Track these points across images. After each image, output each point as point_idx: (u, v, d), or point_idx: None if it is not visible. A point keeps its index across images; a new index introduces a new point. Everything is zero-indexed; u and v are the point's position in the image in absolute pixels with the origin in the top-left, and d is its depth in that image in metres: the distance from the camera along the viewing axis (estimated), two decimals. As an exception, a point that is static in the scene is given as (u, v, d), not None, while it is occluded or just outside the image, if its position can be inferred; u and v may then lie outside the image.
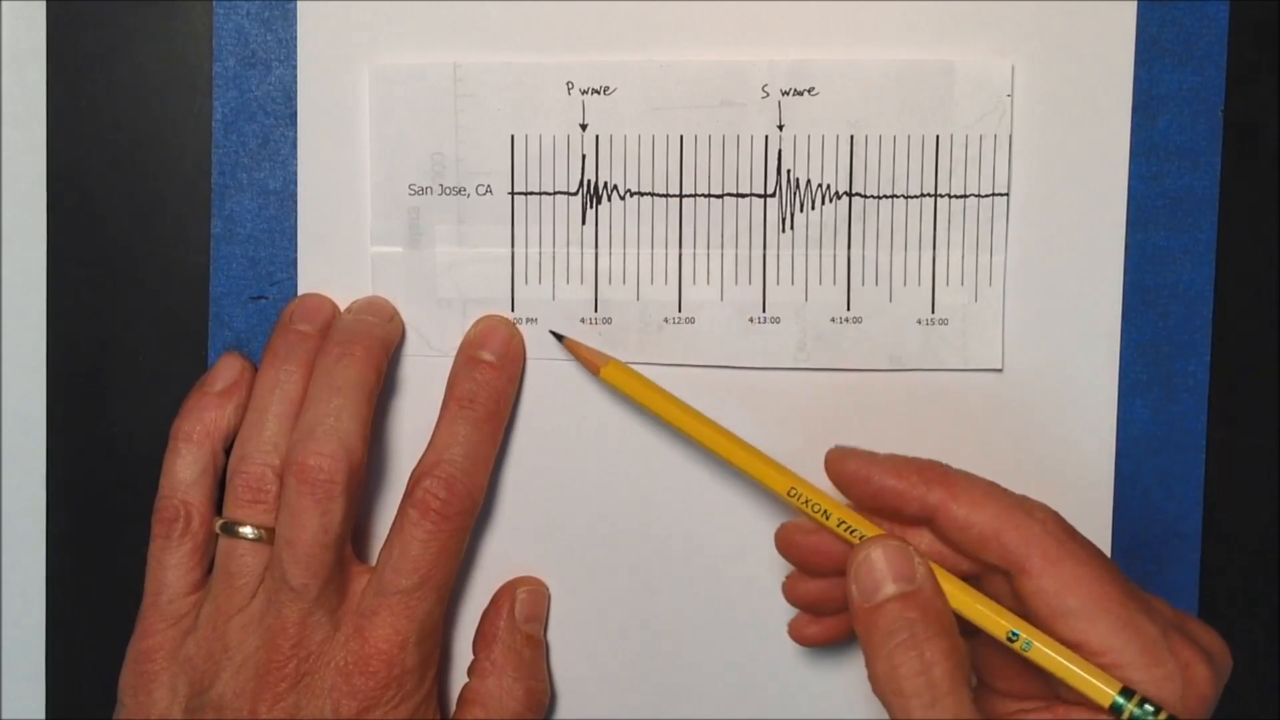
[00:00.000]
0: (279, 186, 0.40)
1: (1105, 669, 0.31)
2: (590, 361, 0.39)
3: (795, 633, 0.38)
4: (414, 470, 0.37)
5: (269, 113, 0.40)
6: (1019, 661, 0.33)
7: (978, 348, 0.39)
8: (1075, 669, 0.31)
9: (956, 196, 0.39)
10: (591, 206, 0.39)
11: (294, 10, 0.39)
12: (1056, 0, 0.38)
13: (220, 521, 0.37)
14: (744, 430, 0.37)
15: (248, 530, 0.37)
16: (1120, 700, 0.31)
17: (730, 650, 0.40)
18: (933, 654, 0.31)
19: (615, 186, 0.39)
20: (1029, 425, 0.39)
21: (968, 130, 0.38)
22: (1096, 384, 0.39)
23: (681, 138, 0.39)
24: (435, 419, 0.38)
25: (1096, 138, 0.39)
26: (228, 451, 0.38)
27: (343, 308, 0.39)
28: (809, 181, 0.39)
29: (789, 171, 0.39)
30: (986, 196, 0.39)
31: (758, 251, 0.39)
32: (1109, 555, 0.39)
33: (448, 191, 0.39)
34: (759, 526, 0.39)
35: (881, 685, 0.32)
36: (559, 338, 0.39)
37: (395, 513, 0.37)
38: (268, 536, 0.37)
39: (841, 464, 0.34)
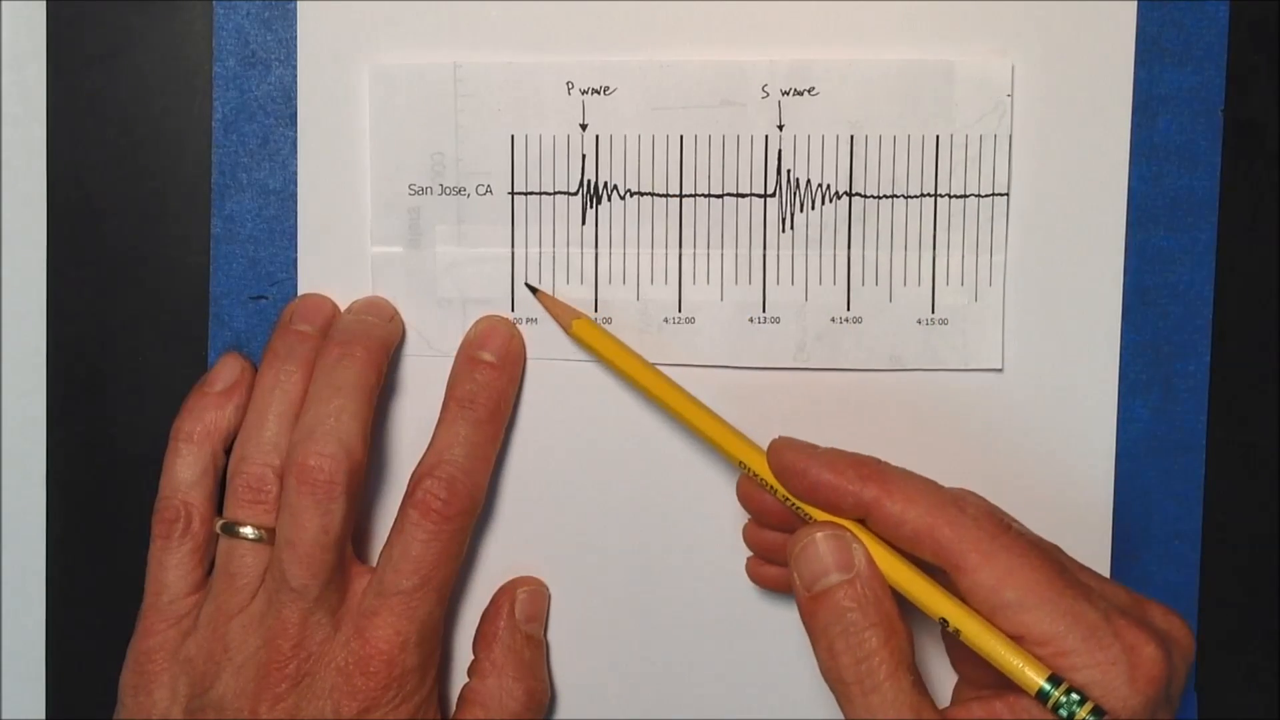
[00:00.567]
0: (279, 186, 0.40)
1: (1049, 658, 0.31)
2: (561, 317, 0.39)
3: (752, 572, 0.39)
4: (415, 471, 0.37)
5: (269, 113, 0.40)
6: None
7: (978, 348, 0.39)
8: (1004, 654, 0.31)
9: (956, 196, 0.39)
10: (591, 206, 0.39)
11: (294, 10, 0.39)
12: (1056, 0, 0.38)
13: (220, 522, 0.37)
14: (744, 430, 0.37)
15: (248, 531, 0.37)
16: (1047, 687, 0.30)
17: (730, 650, 0.40)
18: (872, 642, 0.32)
19: (615, 186, 0.39)
20: (1029, 425, 0.39)
21: (968, 130, 0.38)
22: (1096, 384, 0.39)
23: (681, 138, 0.39)
24: (435, 419, 0.38)
25: (1096, 138, 0.39)
26: (228, 452, 0.38)
27: (343, 308, 0.39)
28: (809, 181, 0.39)
29: (789, 171, 0.39)
30: (986, 196, 0.39)
31: (758, 251, 0.39)
32: (1108, 555, 0.39)
33: (448, 191, 0.39)
34: (759, 526, 0.39)
35: (826, 673, 0.33)
36: (534, 290, 0.39)
37: (396, 513, 0.37)
38: (268, 537, 0.37)
39: (780, 456, 0.35)
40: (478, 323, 0.39)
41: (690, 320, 0.39)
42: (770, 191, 0.39)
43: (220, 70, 0.40)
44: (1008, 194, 0.39)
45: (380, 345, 0.38)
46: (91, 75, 0.40)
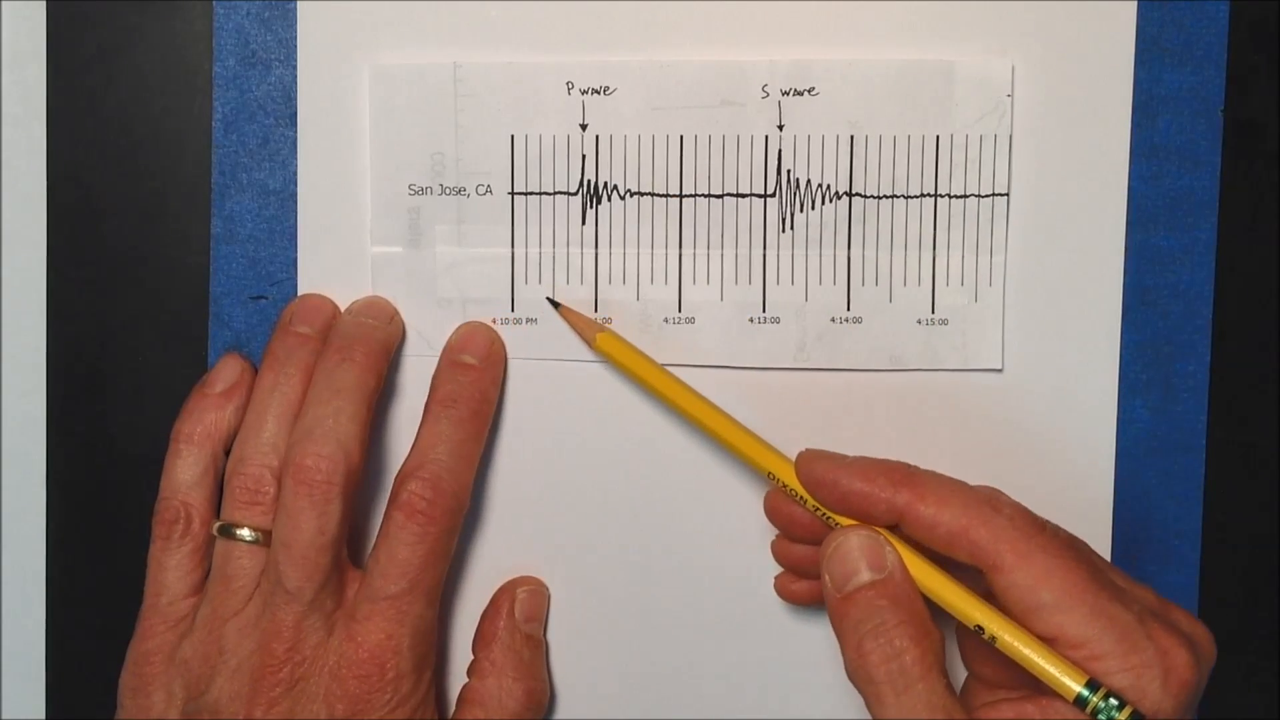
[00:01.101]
0: (279, 186, 0.40)
1: (1083, 661, 0.31)
2: (585, 331, 0.39)
3: (781, 589, 0.39)
4: (398, 473, 0.37)
5: (269, 113, 0.40)
6: (1000, 650, 0.33)
7: (978, 348, 0.39)
8: (1041, 662, 0.31)
9: (956, 196, 0.39)
10: (591, 206, 0.39)
11: (294, 10, 0.39)
12: (1056, 0, 0.38)
13: (218, 524, 0.37)
14: (744, 430, 0.37)
15: (245, 533, 0.37)
16: (1085, 693, 0.30)
17: (730, 650, 0.40)
18: (902, 641, 0.32)
19: (615, 186, 0.39)
20: (1029, 425, 0.39)
21: (968, 130, 0.38)
22: (1096, 384, 0.39)
23: (681, 138, 0.39)
24: (435, 419, 0.38)
25: (1096, 138, 0.39)
26: (229, 453, 0.38)
27: (343, 308, 0.39)
28: (809, 181, 0.39)
29: (789, 171, 0.39)
30: (986, 196, 0.39)
31: (758, 251, 0.39)
32: (1109, 555, 0.39)
33: (448, 191, 0.39)
34: (760, 526, 0.39)
35: (854, 673, 0.32)
36: (555, 305, 0.39)
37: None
38: (265, 539, 0.36)
39: (810, 468, 0.35)
40: (458, 329, 0.39)
41: (690, 320, 0.39)
42: (770, 191, 0.39)
43: (220, 70, 0.40)
44: (1008, 194, 0.39)
45: (380, 348, 0.38)
46: (91, 75, 0.40)
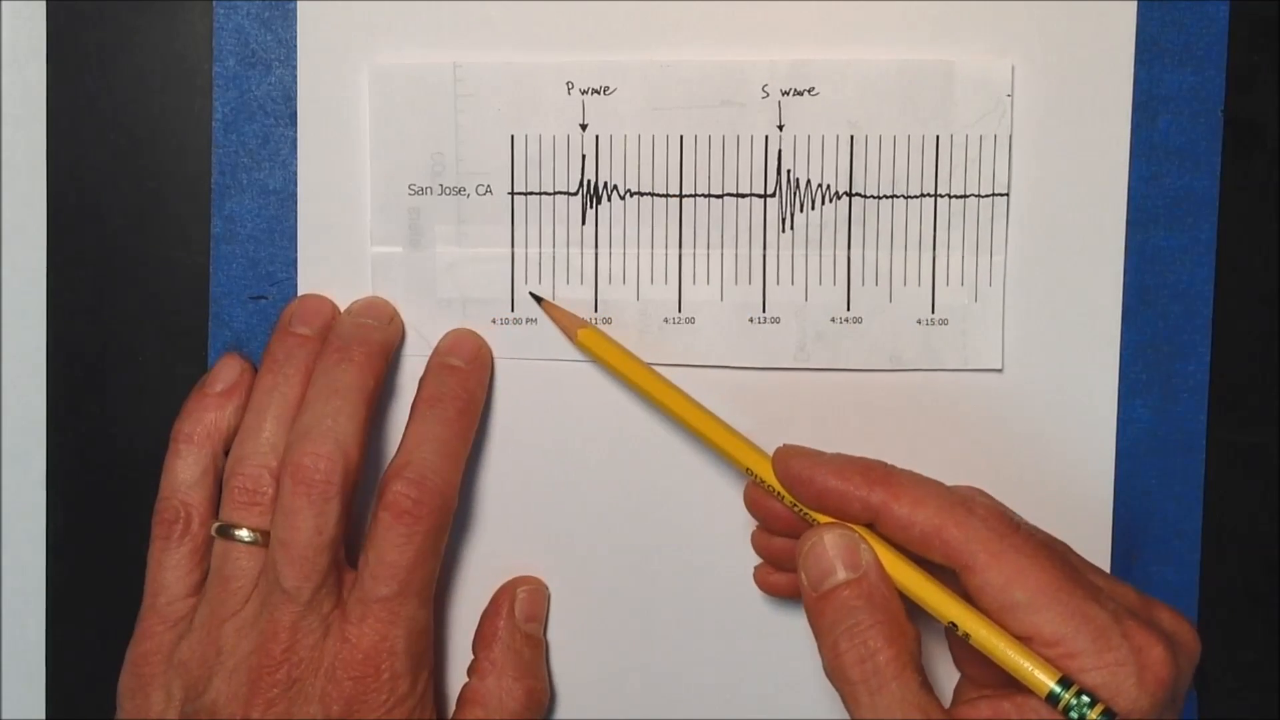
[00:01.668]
0: (279, 186, 0.40)
1: (1058, 659, 0.31)
2: (567, 326, 0.39)
3: (760, 580, 0.39)
4: (384, 473, 0.37)
5: (269, 113, 0.40)
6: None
7: (978, 348, 0.39)
8: (1013, 658, 0.31)
9: (956, 196, 0.39)
10: (591, 206, 0.39)
11: (294, 10, 0.39)
12: (1056, 0, 0.38)
13: (216, 524, 0.37)
14: (744, 430, 0.37)
15: (243, 533, 0.37)
16: (1057, 690, 0.30)
17: (731, 650, 0.40)
18: (876, 641, 0.32)
19: (615, 186, 0.39)
20: (1029, 425, 0.39)
21: (968, 130, 0.38)
22: (1096, 384, 0.39)
23: (681, 138, 0.39)
24: (435, 419, 0.38)
25: (1096, 138, 0.39)
26: (228, 453, 0.38)
27: (343, 308, 0.39)
28: (809, 181, 0.39)
29: (789, 171, 0.39)
30: (986, 196, 0.39)
31: (758, 251, 0.39)
32: (1108, 555, 0.39)
33: (448, 191, 0.39)
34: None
35: (831, 673, 0.33)
36: (538, 299, 0.39)
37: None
38: (263, 540, 0.36)
39: (786, 465, 0.35)
40: (445, 335, 0.39)
41: (690, 320, 0.39)
42: (770, 191, 0.39)
43: (220, 70, 0.40)
44: (1008, 194, 0.39)
45: (379, 349, 0.38)
46: (91, 75, 0.40)
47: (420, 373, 0.39)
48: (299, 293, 0.40)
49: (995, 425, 0.39)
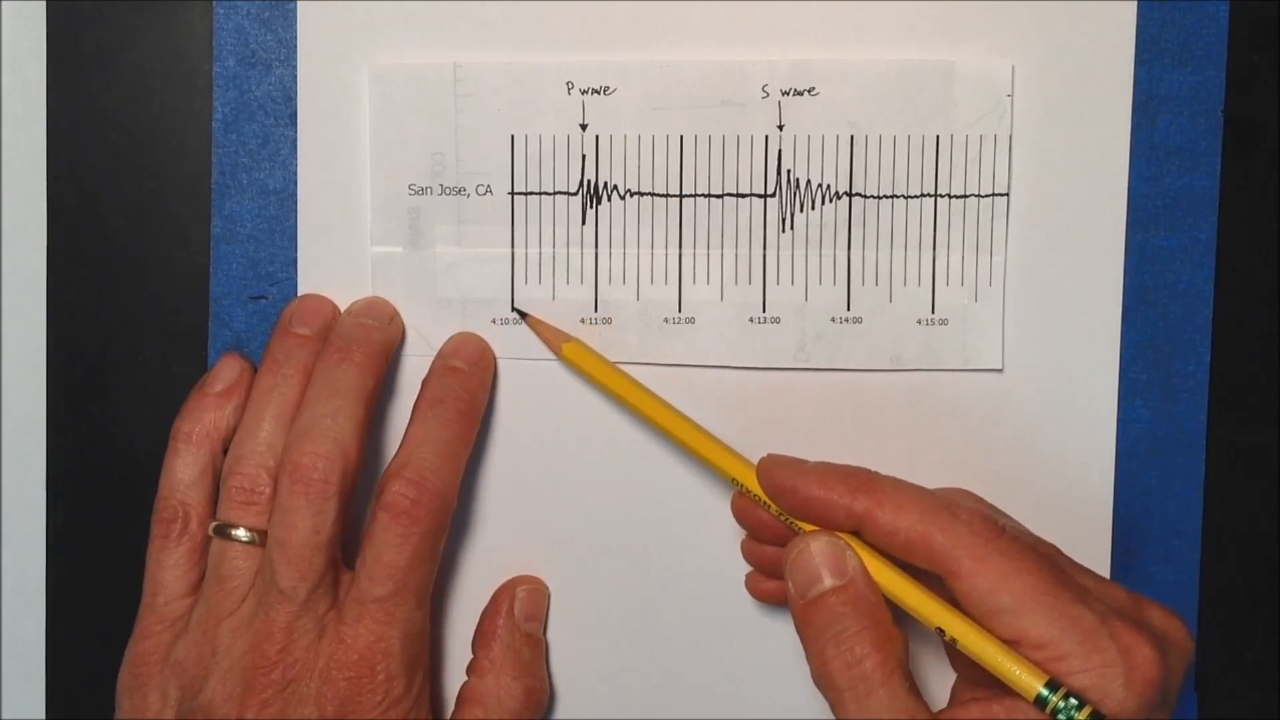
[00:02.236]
0: (279, 186, 0.40)
1: (1046, 662, 0.31)
2: (551, 341, 0.39)
3: (751, 587, 0.39)
4: (383, 473, 0.37)
5: (269, 113, 0.40)
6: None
7: (978, 348, 0.39)
8: (1001, 662, 0.31)
9: (956, 197, 0.39)
10: (591, 206, 0.39)
11: (294, 10, 0.39)
12: (1056, 0, 0.38)
13: (213, 524, 0.37)
14: (744, 430, 0.37)
15: (240, 533, 0.36)
16: (1045, 692, 0.31)
17: (730, 650, 0.40)
18: (863, 648, 0.32)
19: (615, 186, 0.39)
20: (1029, 425, 0.39)
21: (968, 130, 0.38)
22: (1096, 384, 0.39)
23: (681, 138, 0.39)
24: (435, 419, 0.38)
25: (1096, 138, 0.39)
26: (227, 453, 0.38)
27: (343, 308, 0.39)
28: (809, 181, 0.39)
29: (789, 171, 0.39)
30: (986, 196, 0.39)
31: (758, 251, 0.39)
32: (1108, 555, 0.39)
33: (448, 191, 0.39)
34: (759, 526, 0.39)
35: (818, 680, 0.33)
36: (522, 315, 0.39)
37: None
38: (260, 540, 0.36)
39: (770, 475, 0.35)
40: (450, 339, 0.39)
41: (690, 320, 0.39)
42: (770, 191, 0.39)
43: (220, 70, 0.40)
44: (1008, 194, 0.39)
45: (379, 349, 0.38)
46: (91, 75, 0.40)
47: (420, 373, 0.39)
48: (299, 293, 0.40)
49: (995, 425, 0.39)
